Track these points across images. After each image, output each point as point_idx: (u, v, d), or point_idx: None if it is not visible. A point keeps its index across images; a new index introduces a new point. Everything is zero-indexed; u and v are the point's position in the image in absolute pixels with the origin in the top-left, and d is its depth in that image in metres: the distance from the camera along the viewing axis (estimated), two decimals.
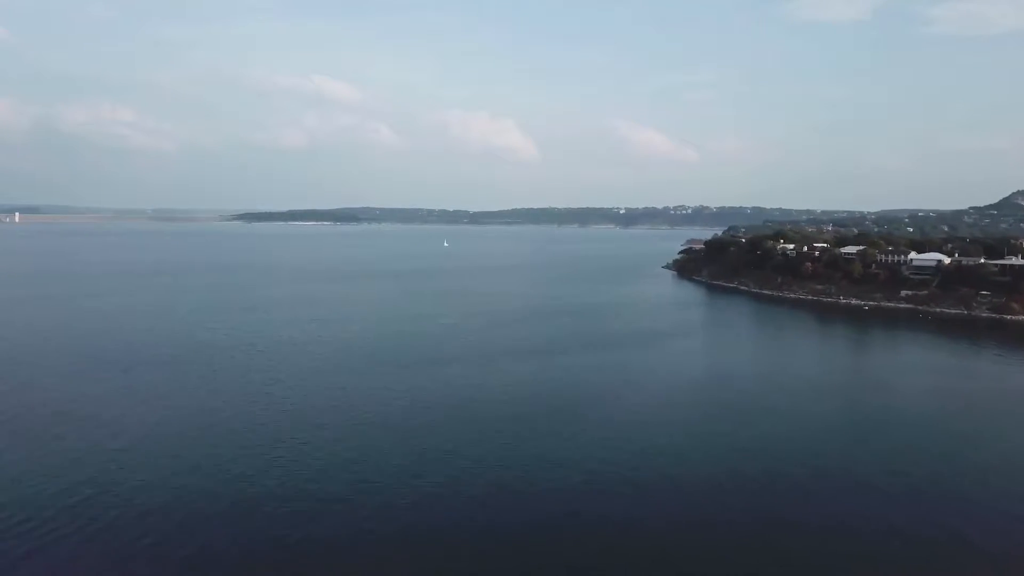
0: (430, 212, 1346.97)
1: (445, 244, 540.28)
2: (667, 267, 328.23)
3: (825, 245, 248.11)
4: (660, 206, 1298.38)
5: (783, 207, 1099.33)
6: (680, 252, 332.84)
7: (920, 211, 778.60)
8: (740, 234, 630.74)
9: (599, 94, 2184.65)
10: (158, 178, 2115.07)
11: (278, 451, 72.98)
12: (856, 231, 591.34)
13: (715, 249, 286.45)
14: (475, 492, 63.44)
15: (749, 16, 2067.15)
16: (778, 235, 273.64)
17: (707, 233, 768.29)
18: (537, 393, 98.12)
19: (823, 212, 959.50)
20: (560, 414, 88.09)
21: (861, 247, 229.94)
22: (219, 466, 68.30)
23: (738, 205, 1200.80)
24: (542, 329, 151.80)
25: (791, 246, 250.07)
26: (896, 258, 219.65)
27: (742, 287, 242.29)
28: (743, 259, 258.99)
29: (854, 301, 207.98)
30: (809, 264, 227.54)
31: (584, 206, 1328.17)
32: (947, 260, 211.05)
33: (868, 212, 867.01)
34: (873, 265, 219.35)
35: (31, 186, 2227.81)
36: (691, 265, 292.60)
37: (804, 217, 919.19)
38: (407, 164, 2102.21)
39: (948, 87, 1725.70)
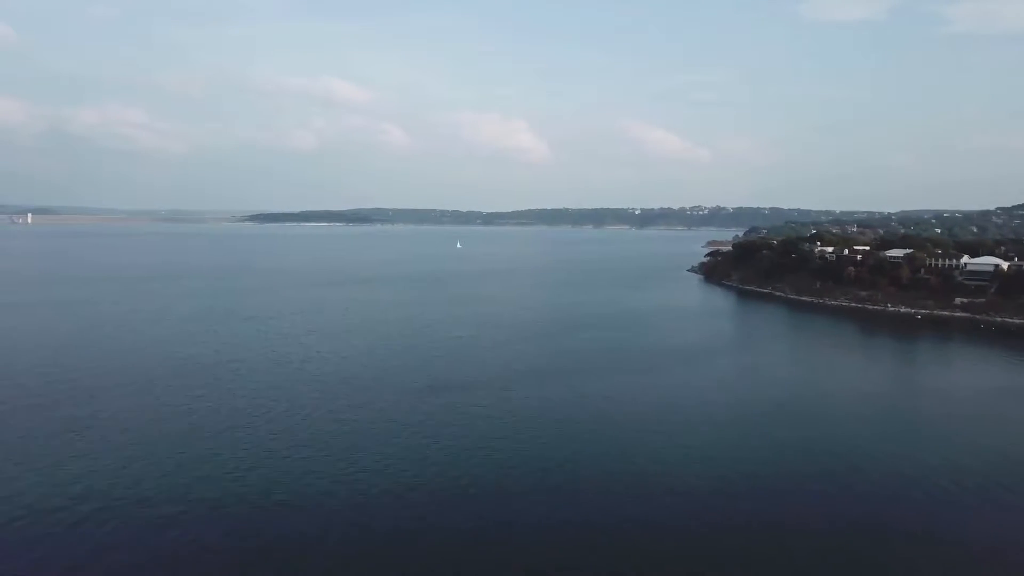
0: (443, 213, 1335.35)
1: (458, 246, 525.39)
2: (692, 271, 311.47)
3: (866, 248, 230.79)
4: (676, 207, 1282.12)
5: (801, 207, 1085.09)
6: (706, 255, 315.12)
7: (944, 211, 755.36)
8: (763, 235, 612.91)
9: (609, 95, 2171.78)
10: (170, 179, 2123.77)
11: (250, 514, 57.86)
12: (882, 232, 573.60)
13: (745, 252, 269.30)
14: None
15: (759, 16, 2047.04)
16: (814, 237, 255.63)
17: (726, 234, 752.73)
18: (574, 433, 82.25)
19: (842, 212, 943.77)
20: (602, 462, 72.35)
21: (908, 250, 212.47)
22: (163, 536, 53.23)
23: (755, 205, 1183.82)
24: (568, 344, 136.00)
25: (830, 249, 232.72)
26: (947, 262, 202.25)
27: (777, 293, 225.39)
28: (777, 263, 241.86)
29: (903, 309, 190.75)
30: (852, 269, 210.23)
31: (598, 207, 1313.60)
32: (1005, 264, 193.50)
33: (888, 212, 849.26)
34: (922, 270, 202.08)
35: (45, 188, 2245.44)
36: (719, 269, 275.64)
37: (824, 217, 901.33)
38: (418, 165, 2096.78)
39: (964, 86, 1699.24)
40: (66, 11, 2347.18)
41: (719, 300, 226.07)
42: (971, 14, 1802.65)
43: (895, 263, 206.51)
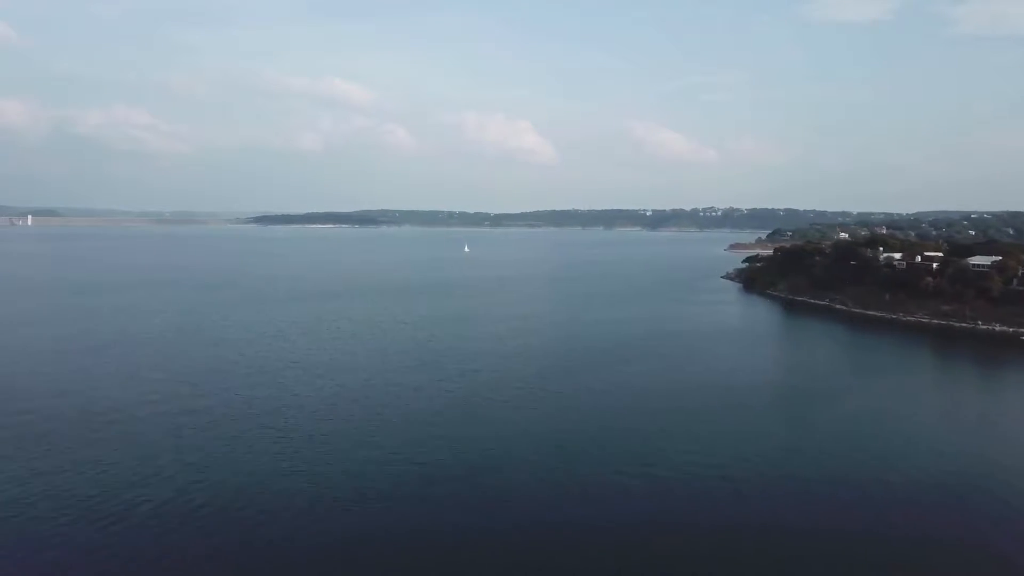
0: (450, 214, 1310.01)
1: (466, 249, 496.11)
2: (728, 278, 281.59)
3: (938, 254, 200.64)
4: (688, 208, 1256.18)
5: (816, 208, 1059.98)
6: (744, 260, 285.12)
7: (966, 212, 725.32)
8: (787, 238, 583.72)
9: (615, 96, 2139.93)
10: (176, 181, 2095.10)
11: None
12: (913, 234, 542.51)
13: (793, 258, 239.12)
14: None
15: (766, 17, 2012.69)
16: (873, 241, 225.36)
17: (744, 236, 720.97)
18: (638, 545, 53.40)
19: (859, 213, 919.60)
20: None
21: (994, 257, 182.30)
22: None
23: (770, 207, 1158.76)
24: (608, 384, 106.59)
25: (898, 255, 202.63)
26: None
27: (837, 305, 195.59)
28: (833, 271, 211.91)
29: (998, 327, 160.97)
30: (929, 279, 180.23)
31: (606, 208, 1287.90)
32: None
33: (906, 213, 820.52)
34: (1015, 280, 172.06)
35: (51, 189, 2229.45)
36: (762, 277, 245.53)
37: (842, 219, 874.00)
38: (424, 166, 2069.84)
39: (973, 87, 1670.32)
40: (67, 12, 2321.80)
41: (770, 315, 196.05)
42: (976, 15, 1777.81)
43: (981, 272, 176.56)
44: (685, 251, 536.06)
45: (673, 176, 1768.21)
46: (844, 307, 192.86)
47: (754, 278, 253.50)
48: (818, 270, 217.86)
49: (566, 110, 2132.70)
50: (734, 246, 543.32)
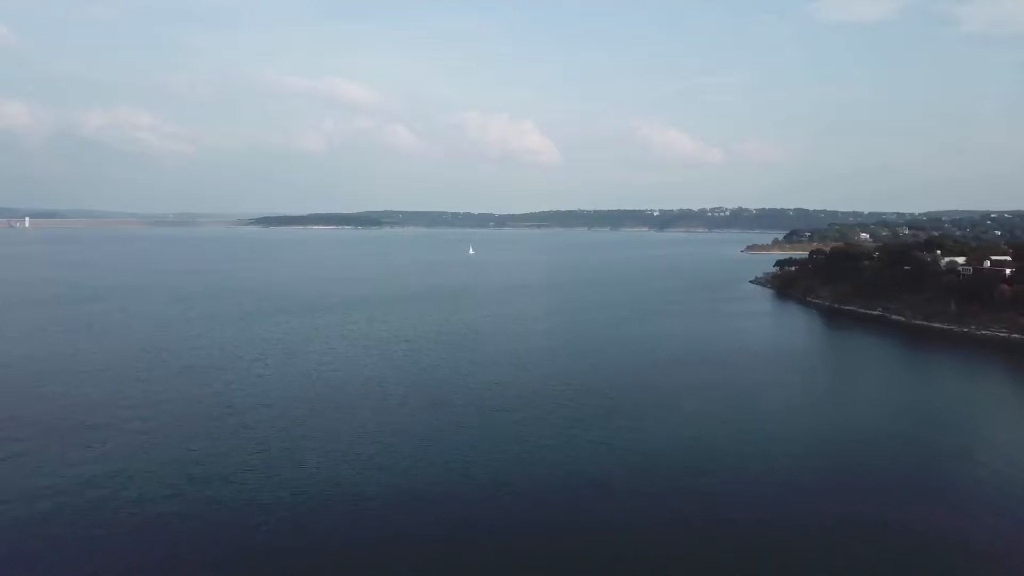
0: (455, 215, 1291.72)
1: (471, 252, 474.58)
2: (758, 282, 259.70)
3: (1006, 258, 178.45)
4: (695, 208, 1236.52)
5: (827, 208, 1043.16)
6: (775, 264, 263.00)
7: (991, 212, 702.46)
8: (805, 239, 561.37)
9: (619, 96, 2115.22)
10: (179, 182, 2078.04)
11: None
12: (936, 234, 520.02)
13: (835, 261, 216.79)
14: None
15: (770, 17, 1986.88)
16: (930, 243, 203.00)
17: (755, 237, 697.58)
18: None
19: (871, 213, 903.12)
20: None
21: None
22: None
23: (779, 207, 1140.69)
24: (659, 434, 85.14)
25: (961, 260, 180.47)
26: None
27: (893, 316, 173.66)
28: (884, 276, 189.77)
29: None
30: (1006, 287, 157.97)
31: (612, 208, 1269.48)
32: None
33: (918, 213, 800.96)
34: None
35: (54, 191, 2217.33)
36: (800, 282, 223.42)
37: (853, 218, 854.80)
38: (428, 167, 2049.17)
39: (979, 86, 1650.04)
40: (66, 12, 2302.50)
41: (826, 329, 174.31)
42: (981, 15, 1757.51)
43: None
44: (699, 253, 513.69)
45: (678, 176, 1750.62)
46: (902, 318, 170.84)
47: (789, 283, 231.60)
48: (867, 276, 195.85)
49: (569, 110, 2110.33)
50: (750, 247, 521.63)
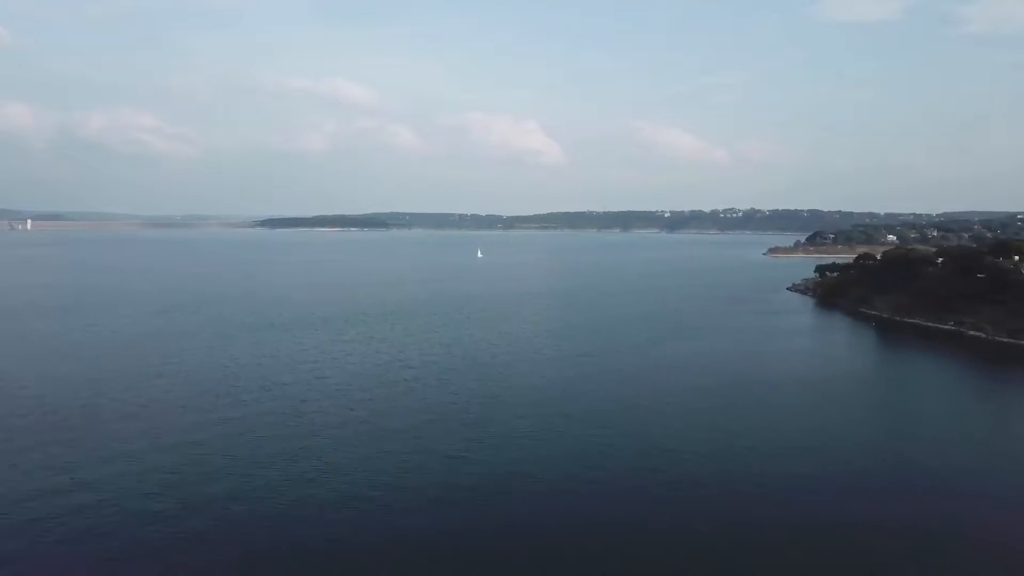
0: (462, 217, 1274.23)
1: (479, 255, 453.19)
2: (796, 290, 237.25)
3: None
4: (707, 209, 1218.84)
5: (842, 209, 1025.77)
6: (815, 270, 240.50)
7: (1018, 213, 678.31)
8: (828, 240, 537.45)
9: (623, 97, 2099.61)
10: (181, 184, 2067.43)
11: None
12: (967, 236, 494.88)
13: (890, 268, 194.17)
14: None
15: (773, 17, 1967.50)
16: (1006, 248, 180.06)
17: (772, 238, 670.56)
18: None
19: (887, 215, 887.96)
20: None
21: None
22: None
23: (792, 208, 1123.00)
24: (740, 526, 63.34)
25: None
26: None
27: (970, 332, 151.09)
28: (952, 285, 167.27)
29: None
30: None
31: (622, 209, 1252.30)
32: None
33: (935, 214, 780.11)
34: None
35: (57, 193, 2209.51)
36: (847, 291, 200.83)
37: (869, 219, 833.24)
38: (433, 168, 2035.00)
39: (983, 86, 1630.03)
40: (66, 13, 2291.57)
41: (880, 346, 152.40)
42: (986, 15, 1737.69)
43: None
44: (719, 256, 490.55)
45: (685, 177, 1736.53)
46: (981, 334, 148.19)
47: (834, 292, 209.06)
48: (930, 284, 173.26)
49: (573, 110, 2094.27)
50: (772, 250, 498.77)
